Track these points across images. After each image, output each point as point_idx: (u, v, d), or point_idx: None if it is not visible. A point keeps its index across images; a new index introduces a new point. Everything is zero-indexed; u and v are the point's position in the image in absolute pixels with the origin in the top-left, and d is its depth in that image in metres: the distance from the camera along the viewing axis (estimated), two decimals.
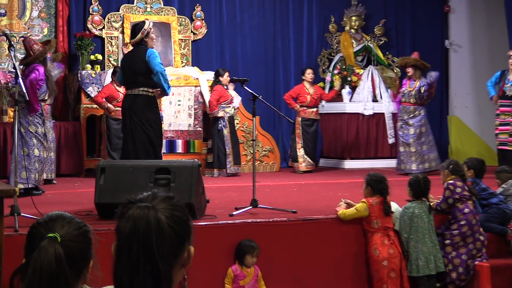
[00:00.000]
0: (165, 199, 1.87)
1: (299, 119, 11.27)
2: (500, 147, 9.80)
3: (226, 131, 10.69)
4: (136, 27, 7.19)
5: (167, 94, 7.25)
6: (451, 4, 13.92)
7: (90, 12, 11.60)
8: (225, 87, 10.81)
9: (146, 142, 6.88)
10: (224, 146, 10.63)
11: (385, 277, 5.87)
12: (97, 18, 11.60)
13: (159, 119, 7.21)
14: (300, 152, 11.23)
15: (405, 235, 6.04)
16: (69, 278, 1.94)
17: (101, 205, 5.72)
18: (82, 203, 6.92)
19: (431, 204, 6.22)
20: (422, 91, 10.34)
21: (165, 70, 7.04)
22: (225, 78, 10.74)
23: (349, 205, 6.14)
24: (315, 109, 11.32)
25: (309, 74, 11.37)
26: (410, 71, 10.53)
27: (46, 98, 8.13)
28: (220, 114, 10.62)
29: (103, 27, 11.62)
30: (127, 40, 7.47)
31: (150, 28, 7.14)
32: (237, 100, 10.90)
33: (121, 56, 11.31)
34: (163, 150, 10.75)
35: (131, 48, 7.45)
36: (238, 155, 10.84)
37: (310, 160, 11.26)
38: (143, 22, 7.25)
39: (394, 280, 5.89)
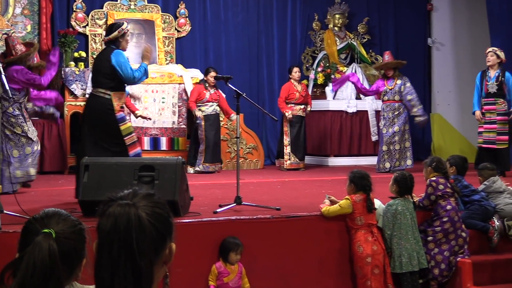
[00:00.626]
0: (146, 196, 1.87)
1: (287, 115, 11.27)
2: (485, 145, 9.84)
3: (200, 130, 10.75)
4: (114, 26, 7.09)
5: (147, 75, 7.05)
6: (433, 3, 14.01)
7: (74, 9, 11.56)
8: (206, 85, 10.84)
9: (97, 144, 6.71)
10: (198, 144, 10.77)
11: (368, 274, 5.90)
12: (80, 15, 11.56)
13: (116, 120, 6.80)
14: (287, 149, 11.25)
15: (388, 232, 6.08)
16: (61, 274, 1.95)
17: (85, 202, 5.71)
18: (66, 200, 6.90)
19: (414, 201, 6.26)
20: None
21: (134, 73, 6.82)
22: (208, 77, 10.79)
23: (333, 202, 6.17)
24: (302, 106, 11.33)
25: (296, 72, 11.40)
26: (390, 72, 10.71)
27: (24, 100, 8.10)
28: (197, 113, 10.67)
29: (87, 25, 11.58)
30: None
31: (128, 30, 7.02)
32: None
33: None
34: (147, 147, 10.82)
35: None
36: (215, 153, 10.81)
37: (296, 158, 11.25)
38: (122, 23, 7.11)
39: (377, 276, 5.93)
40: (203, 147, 10.73)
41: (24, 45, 8.28)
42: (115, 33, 6.92)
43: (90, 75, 10.36)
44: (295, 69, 11.48)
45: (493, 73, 9.73)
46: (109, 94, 6.77)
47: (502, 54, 9.76)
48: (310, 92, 12.16)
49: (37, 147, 8.08)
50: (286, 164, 11.25)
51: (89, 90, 10.39)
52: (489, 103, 9.78)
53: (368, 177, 6.12)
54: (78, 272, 2.07)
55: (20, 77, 7.81)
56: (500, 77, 9.66)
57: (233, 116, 10.62)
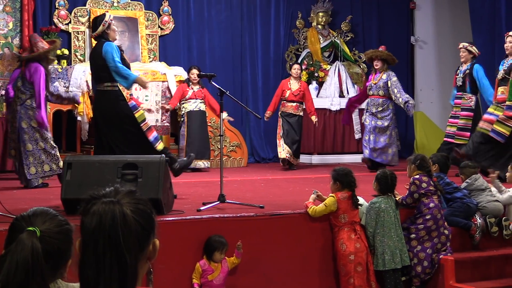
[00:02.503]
0: (129, 194, 1.89)
1: (280, 112, 11.24)
2: (445, 139, 9.92)
3: (183, 127, 10.83)
4: (97, 20, 7.19)
5: (128, 88, 7.13)
6: (416, 1, 14.07)
7: (56, 7, 11.49)
8: (189, 83, 10.84)
9: (120, 137, 6.87)
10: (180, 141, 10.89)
11: (352, 271, 5.92)
12: (63, 12, 11.50)
13: (129, 109, 7.01)
14: (280, 141, 11.22)
15: (371, 230, 6.10)
16: (45, 273, 1.95)
17: (68, 200, 5.69)
18: (49, 198, 6.88)
19: (397, 199, 6.29)
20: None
21: (118, 64, 6.92)
22: (190, 74, 10.84)
23: (319, 198, 6.17)
24: (294, 104, 11.16)
25: (295, 69, 11.28)
26: (378, 64, 10.49)
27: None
28: (167, 106, 10.83)
29: (70, 22, 11.53)
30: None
31: (111, 20, 7.14)
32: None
33: (88, 51, 11.25)
34: None
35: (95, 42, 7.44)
36: (201, 149, 10.79)
37: (288, 149, 11.11)
38: (103, 15, 7.24)
39: (360, 274, 5.95)
40: (184, 143, 10.76)
41: (48, 42, 8.38)
42: (100, 27, 7.06)
43: (75, 71, 10.43)
44: (295, 66, 11.34)
45: (463, 67, 9.81)
46: (116, 86, 6.92)
47: (474, 49, 9.81)
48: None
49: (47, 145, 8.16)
50: (281, 153, 11.11)
51: (72, 88, 10.38)
52: (457, 97, 9.85)
53: (352, 173, 6.14)
54: (63, 272, 2.07)
55: (34, 77, 7.99)
56: (467, 70, 9.71)
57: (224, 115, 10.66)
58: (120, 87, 6.96)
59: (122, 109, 6.94)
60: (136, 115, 6.97)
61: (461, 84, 9.76)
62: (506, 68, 8.91)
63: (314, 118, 11.06)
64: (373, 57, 10.55)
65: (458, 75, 9.85)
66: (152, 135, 7.01)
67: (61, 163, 8.07)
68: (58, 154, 8.19)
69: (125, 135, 6.93)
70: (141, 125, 6.96)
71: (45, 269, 1.95)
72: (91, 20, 11.32)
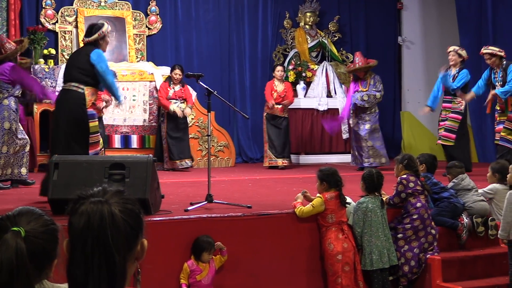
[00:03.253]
0: (117, 193, 1.88)
1: (265, 114, 11.24)
2: (438, 141, 10.00)
3: (163, 127, 10.81)
4: (94, 27, 7.04)
5: (119, 101, 7.28)
6: (403, 1, 14.12)
7: (43, 6, 11.46)
8: (170, 82, 10.81)
9: (69, 137, 6.75)
10: (161, 141, 10.82)
11: (339, 271, 5.93)
12: (50, 12, 11.47)
13: (86, 116, 6.81)
14: (266, 147, 11.23)
15: (359, 230, 6.11)
16: (30, 273, 1.93)
17: (55, 200, 5.67)
18: (35, 199, 6.84)
19: (384, 198, 6.31)
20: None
21: (108, 72, 6.91)
22: (173, 74, 10.83)
23: (306, 198, 6.17)
24: (280, 106, 11.12)
25: (278, 71, 11.27)
26: (362, 74, 10.61)
27: (19, 95, 8.19)
28: (171, 107, 10.68)
29: (57, 21, 11.49)
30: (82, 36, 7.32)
31: (108, 32, 7.03)
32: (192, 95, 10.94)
33: None
34: (118, 145, 10.78)
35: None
36: (183, 150, 10.78)
37: (272, 155, 11.15)
38: (102, 24, 7.07)
39: (348, 273, 5.96)
40: (165, 144, 10.74)
41: (16, 43, 8.33)
42: (95, 35, 6.93)
43: (62, 70, 10.38)
44: (278, 68, 11.33)
45: (454, 72, 9.84)
46: (82, 88, 6.78)
47: (463, 53, 9.87)
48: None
49: (11, 150, 8.02)
50: (265, 161, 11.23)
51: (59, 88, 10.35)
52: (447, 101, 9.90)
53: (338, 172, 6.16)
54: (48, 272, 2.05)
55: (16, 75, 7.91)
56: (456, 75, 9.77)
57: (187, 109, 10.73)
58: (86, 92, 6.80)
59: (80, 113, 6.76)
60: (90, 124, 6.79)
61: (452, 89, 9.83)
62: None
63: (285, 102, 11.18)
64: (356, 71, 10.65)
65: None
66: (94, 150, 6.80)
67: (23, 170, 8.04)
68: (24, 159, 8.13)
69: (70, 137, 6.75)
70: (90, 135, 6.79)
71: (30, 269, 1.94)
72: (78, 20, 11.32)
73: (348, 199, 6.20)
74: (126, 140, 11.02)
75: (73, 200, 1.87)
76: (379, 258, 6.01)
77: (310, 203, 6.06)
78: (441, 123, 9.90)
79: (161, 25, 12.37)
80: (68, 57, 11.09)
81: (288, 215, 6.10)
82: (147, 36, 12.20)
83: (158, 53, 12.34)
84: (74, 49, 11.19)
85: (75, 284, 1.78)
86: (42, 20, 11.39)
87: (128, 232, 1.83)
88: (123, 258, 1.81)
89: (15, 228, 1.99)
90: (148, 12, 12.28)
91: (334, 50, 13.35)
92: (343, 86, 12.87)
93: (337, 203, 6.02)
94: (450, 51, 9.94)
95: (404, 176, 6.36)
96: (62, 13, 11.54)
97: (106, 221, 1.79)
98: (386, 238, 6.11)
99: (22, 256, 1.92)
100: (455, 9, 12.74)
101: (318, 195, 6.08)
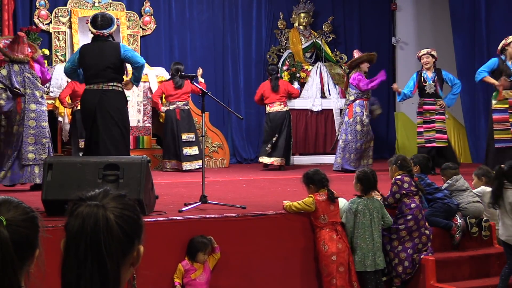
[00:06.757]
0: (116, 198, 1.86)
1: (267, 113, 11.26)
2: (427, 144, 9.98)
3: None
4: (110, 19, 7.08)
5: (137, 85, 7.39)
6: (397, 2, 14.15)
7: (37, 7, 11.44)
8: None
9: (119, 139, 6.85)
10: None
11: (334, 272, 5.92)
12: (44, 12, 11.45)
13: (127, 112, 7.15)
14: (262, 146, 11.23)
15: (350, 229, 6.11)
16: (15, 264, 1.90)
17: (48, 201, 5.65)
18: (29, 200, 6.82)
19: (379, 198, 6.30)
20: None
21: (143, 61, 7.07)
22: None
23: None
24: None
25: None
26: (366, 66, 10.60)
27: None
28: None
29: (50, 22, 11.47)
30: (93, 30, 7.06)
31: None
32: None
33: (68, 51, 11.19)
34: None
35: (90, 40, 7.25)
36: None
37: (265, 155, 11.14)
38: (111, 16, 7.17)
39: (342, 274, 5.95)
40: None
41: (11, 41, 8.34)
42: (115, 27, 7.09)
43: (56, 71, 10.36)
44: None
45: (430, 74, 9.93)
46: (122, 88, 6.92)
47: (435, 53, 10.01)
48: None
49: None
50: (259, 159, 11.25)
51: (53, 88, 10.33)
52: (429, 103, 9.96)
53: (320, 170, 6.17)
54: (30, 264, 2.00)
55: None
56: (435, 78, 9.88)
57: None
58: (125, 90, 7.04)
59: (125, 111, 7.01)
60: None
61: (433, 91, 9.91)
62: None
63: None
64: (358, 63, 10.57)
65: (425, 83, 9.96)
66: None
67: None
68: None
69: (117, 134, 6.88)
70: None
71: (15, 260, 1.89)
72: (72, 20, 11.29)
73: (342, 200, 6.20)
74: None
75: (73, 201, 1.85)
76: (361, 260, 6.00)
77: (301, 200, 6.06)
78: (427, 125, 9.94)
79: (155, 25, 12.36)
80: (62, 58, 11.11)
81: (283, 216, 6.09)
82: (141, 37, 12.20)
83: (152, 54, 12.33)
84: (68, 49, 11.18)
85: (68, 287, 1.77)
86: (36, 20, 11.37)
87: (122, 238, 1.80)
88: (116, 264, 1.78)
89: None
90: (142, 13, 12.27)
91: (328, 51, 13.36)
92: (337, 86, 12.88)
93: (328, 202, 6.01)
94: (423, 54, 10.01)
95: (399, 176, 6.36)
96: (56, 13, 11.52)
97: (100, 226, 1.77)
98: (374, 242, 6.06)
99: (7, 245, 1.87)
100: (449, 10, 12.77)
101: (310, 195, 6.07)
